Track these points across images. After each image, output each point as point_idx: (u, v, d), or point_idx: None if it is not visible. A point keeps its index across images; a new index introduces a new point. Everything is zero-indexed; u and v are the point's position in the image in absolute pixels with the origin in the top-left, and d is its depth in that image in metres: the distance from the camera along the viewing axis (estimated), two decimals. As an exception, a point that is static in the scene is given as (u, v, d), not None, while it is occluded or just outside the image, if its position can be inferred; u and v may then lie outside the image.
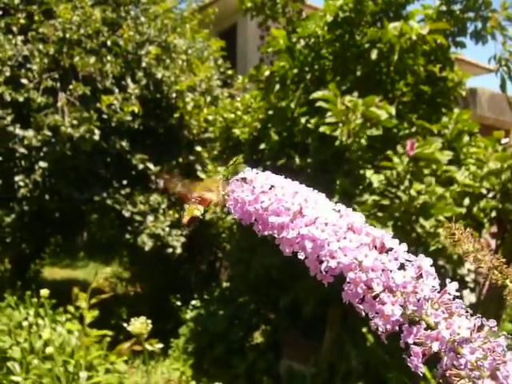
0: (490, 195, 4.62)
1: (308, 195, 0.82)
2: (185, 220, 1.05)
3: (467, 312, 0.69)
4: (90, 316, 3.34)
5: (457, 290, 0.71)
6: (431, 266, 0.71)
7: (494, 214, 4.55)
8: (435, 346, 0.66)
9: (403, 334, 0.68)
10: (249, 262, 5.70)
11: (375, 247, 0.74)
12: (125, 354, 3.94)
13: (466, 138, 4.97)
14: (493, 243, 5.16)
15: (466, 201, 4.48)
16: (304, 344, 5.99)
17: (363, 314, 0.70)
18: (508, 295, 0.77)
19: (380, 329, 0.69)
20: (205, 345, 6.72)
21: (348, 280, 0.72)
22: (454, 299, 0.70)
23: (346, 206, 0.79)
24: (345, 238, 0.74)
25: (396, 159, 4.23)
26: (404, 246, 0.74)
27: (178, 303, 7.96)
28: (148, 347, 3.08)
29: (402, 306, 0.68)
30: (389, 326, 0.68)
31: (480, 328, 0.67)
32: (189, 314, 7.49)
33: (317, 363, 5.48)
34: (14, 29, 6.97)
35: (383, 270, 0.71)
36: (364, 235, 0.75)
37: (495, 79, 4.31)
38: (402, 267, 0.71)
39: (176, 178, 1.22)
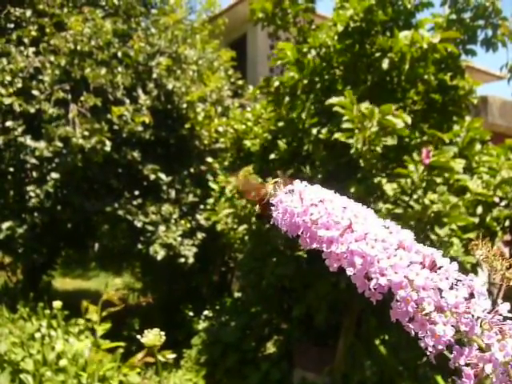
0: (503, 204, 4.60)
1: (358, 210, 0.81)
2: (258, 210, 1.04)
3: None
4: (101, 329, 3.34)
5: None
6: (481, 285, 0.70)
7: (507, 222, 4.53)
8: (488, 368, 0.65)
9: (454, 355, 0.67)
10: (261, 272, 5.69)
11: (425, 265, 0.73)
12: (138, 365, 3.93)
13: (477, 146, 4.95)
14: (506, 251, 5.13)
15: (479, 209, 4.45)
16: (317, 354, 5.96)
17: (413, 333, 0.69)
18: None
19: (430, 349, 0.67)
20: (217, 355, 6.70)
21: (398, 298, 0.71)
22: (505, 320, 0.69)
23: None
24: (395, 255, 0.73)
25: (411, 167, 4.21)
26: (455, 265, 0.73)
27: (191, 314, 7.96)
28: (161, 358, 3.07)
29: (453, 326, 0.67)
30: (440, 347, 0.67)
31: None
32: (201, 325, 7.48)
33: (330, 373, 5.45)
34: (26, 41, 7.04)
35: (434, 289, 0.70)
36: (414, 253, 0.74)
37: (506, 86, 4.31)
38: (451, 286, 0.70)
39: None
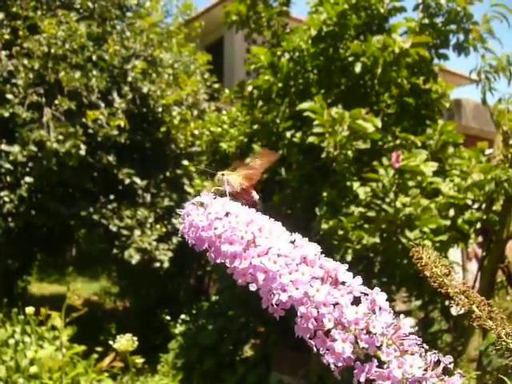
0: (475, 206, 4.63)
1: (263, 224, 0.80)
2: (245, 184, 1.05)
3: (422, 348, 0.67)
4: (66, 334, 3.31)
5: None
6: (386, 299, 0.69)
7: (479, 225, 4.56)
8: None
9: (355, 372, 0.66)
10: (237, 276, 5.67)
11: (331, 278, 0.72)
12: (110, 370, 3.90)
13: (450, 150, 4.98)
14: (479, 252, 5.17)
15: (451, 212, 4.48)
16: (294, 357, 5.96)
17: (315, 349, 0.69)
18: (474, 320, 0.76)
19: (331, 366, 0.67)
20: (194, 359, 6.68)
21: (299, 314, 0.70)
22: (408, 335, 0.68)
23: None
24: (297, 270, 0.72)
25: (381, 171, 4.23)
26: (359, 279, 0.72)
27: (167, 318, 7.92)
28: (130, 363, 3.06)
29: (354, 342, 0.66)
30: (340, 364, 0.66)
31: (436, 364, 0.65)
32: (178, 329, 7.45)
33: (306, 375, 5.46)
34: (-1, 44, 6.95)
35: (336, 305, 0.69)
36: (318, 267, 0.73)
37: (478, 90, 4.33)
38: (357, 301, 0.69)
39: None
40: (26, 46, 6.88)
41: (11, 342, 5.00)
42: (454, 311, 5.38)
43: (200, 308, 7.69)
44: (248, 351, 6.70)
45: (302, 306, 0.70)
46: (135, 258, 7.13)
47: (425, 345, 0.67)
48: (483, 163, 4.73)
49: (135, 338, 2.97)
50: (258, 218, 0.82)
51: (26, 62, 6.86)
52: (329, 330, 0.68)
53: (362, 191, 4.40)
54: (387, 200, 4.26)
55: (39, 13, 7.23)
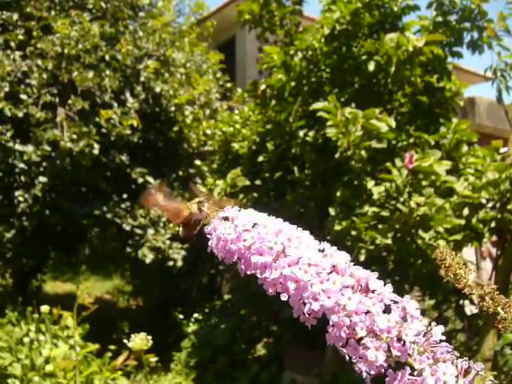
0: (490, 205, 4.60)
1: (291, 234, 0.79)
2: (181, 233, 1.07)
3: (453, 355, 0.67)
4: (78, 333, 3.34)
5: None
6: (416, 308, 0.68)
7: (493, 224, 4.53)
8: None
9: (387, 379, 0.66)
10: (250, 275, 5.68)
11: (361, 287, 0.72)
12: (124, 368, 3.92)
13: (464, 148, 4.96)
14: (494, 251, 5.13)
15: (466, 211, 4.45)
16: (307, 355, 5.96)
17: (347, 357, 0.69)
18: (499, 323, 0.76)
19: (363, 374, 0.67)
20: (207, 358, 6.69)
21: (331, 323, 0.70)
22: (439, 342, 0.68)
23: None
24: (328, 279, 0.72)
25: (395, 172, 4.22)
26: (389, 288, 0.72)
27: (180, 316, 7.94)
28: (144, 362, 3.07)
29: (386, 350, 0.67)
30: (372, 372, 0.66)
31: (467, 371, 0.65)
32: (191, 328, 7.47)
33: (319, 375, 5.46)
34: (13, 44, 7.00)
35: (367, 313, 0.69)
36: (348, 276, 0.73)
37: (493, 88, 4.31)
38: (387, 309, 0.70)
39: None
40: (39, 47, 6.93)
41: (26, 340, 5.03)
42: (468, 310, 5.37)
43: (213, 307, 7.71)
44: (261, 350, 6.71)
45: (333, 314, 0.70)
46: (149, 257, 7.16)
47: (455, 352, 0.67)
48: (498, 162, 4.70)
49: (149, 337, 2.99)
50: (286, 227, 0.82)
51: (39, 62, 6.91)
52: (360, 338, 0.68)
53: (375, 191, 4.38)
54: (401, 200, 4.25)
55: (53, 13, 7.28)
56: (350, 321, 0.69)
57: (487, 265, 7.05)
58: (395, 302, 0.71)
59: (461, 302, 5.23)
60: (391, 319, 0.68)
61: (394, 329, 0.67)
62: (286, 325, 6.00)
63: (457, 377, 0.65)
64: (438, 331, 0.68)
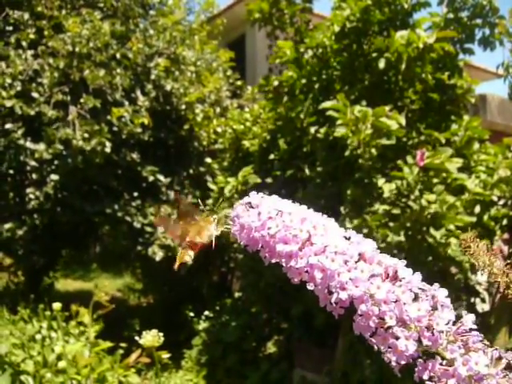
0: (501, 202, 4.58)
1: (317, 221, 0.78)
2: (175, 266, 1.07)
3: (484, 345, 0.66)
4: (93, 330, 3.35)
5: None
6: (446, 297, 0.68)
7: (505, 221, 4.51)
8: (451, 383, 0.64)
9: (417, 369, 0.65)
10: (260, 272, 5.69)
11: (388, 276, 0.71)
12: (135, 366, 3.93)
13: (475, 145, 4.94)
14: (506, 249, 5.11)
15: (477, 209, 4.44)
16: (317, 353, 5.95)
17: (376, 347, 0.68)
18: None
19: (393, 363, 0.66)
20: (218, 355, 6.70)
21: (359, 312, 0.69)
22: (470, 331, 0.67)
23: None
24: (355, 268, 0.71)
25: (406, 169, 4.20)
26: (418, 276, 0.71)
27: (191, 314, 7.95)
28: (156, 359, 3.08)
29: (416, 340, 0.66)
30: (403, 362, 0.65)
31: (498, 360, 0.65)
32: (201, 325, 7.47)
33: (330, 373, 5.44)
34: (24, 44, 7.03)
35: (396, 302, 0.68)
36: (376, 264, 0.72)
37: (505, 85, 4.29)
38: (415, 297, 0.69)
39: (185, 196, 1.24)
40: (51, 45, 6.96)
41: (38, 337, 5.06)
42: (479, 308, 5.34)
43: (223, 304, 7.71)
44: (271, 348, 6.71)
45: (362, 303, 0.68)
46: (159, 255, 7.18)
47: (485, 341, 0.67)
48: (509, 159, 4.68)
49: (161, 334, 2.99)
50: (311, 215, 0.80)
51: (51, 61, 6.94)
52: (388, 327, 0.67)
53: (386, 188, 4.37)
54: (412, 197, 4.24)
55: (64, 12, 7.30)
56: (379, 310, 0.68)
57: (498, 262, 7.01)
58: (423, 290, 0.70)
59: (472, 299, 5.21)
60: (422, 308, 0.67)
61: (425, 318, 0.66)
62: (297, 322, 6.00)
63: (487, 366, 0.64)
64: (469, 320, 0.67)
